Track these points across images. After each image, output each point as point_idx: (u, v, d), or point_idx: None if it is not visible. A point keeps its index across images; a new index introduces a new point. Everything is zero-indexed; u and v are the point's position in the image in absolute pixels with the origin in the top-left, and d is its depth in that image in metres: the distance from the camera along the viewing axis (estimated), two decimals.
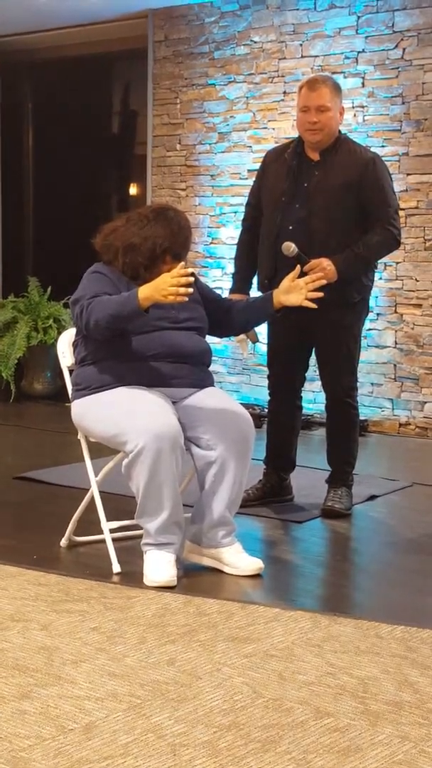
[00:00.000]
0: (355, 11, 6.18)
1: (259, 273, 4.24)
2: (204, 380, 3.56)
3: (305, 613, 3.08)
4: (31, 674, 2.59)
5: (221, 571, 3.45)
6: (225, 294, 4.42)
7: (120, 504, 3.84)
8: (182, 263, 3.33)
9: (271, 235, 4.12)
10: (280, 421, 4.39)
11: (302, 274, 3.69)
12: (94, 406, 3.43)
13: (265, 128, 6.60)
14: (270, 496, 4.37)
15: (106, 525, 3.51)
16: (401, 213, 4.90)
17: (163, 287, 3.20)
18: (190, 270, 3.28)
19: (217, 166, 6.84)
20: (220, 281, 6.63)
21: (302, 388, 4.40)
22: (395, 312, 6.15)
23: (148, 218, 3.47)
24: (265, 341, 4.40)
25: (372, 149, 4.54)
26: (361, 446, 4.53)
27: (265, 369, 4.48)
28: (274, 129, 6.54)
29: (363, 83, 6.18)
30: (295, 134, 4.26)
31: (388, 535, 4.12)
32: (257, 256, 4.22)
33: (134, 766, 2.14)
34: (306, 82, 4.11)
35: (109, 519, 3.53)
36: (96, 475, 3.55)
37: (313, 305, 3.57)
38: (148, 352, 3.43)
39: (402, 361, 6.15)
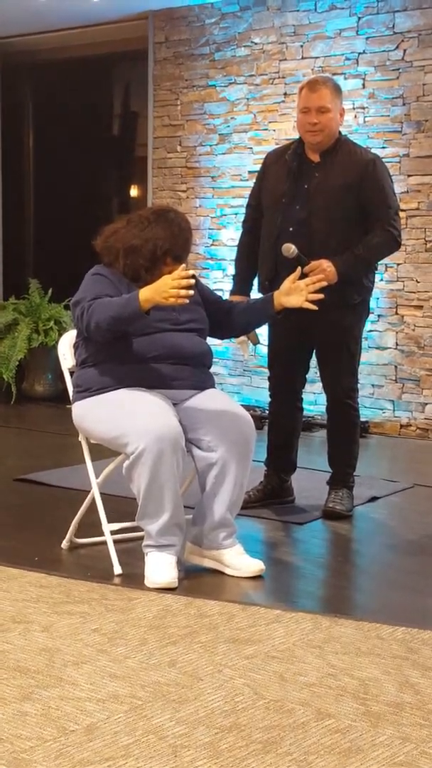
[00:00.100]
0: (355, 12, 6.18)
1: (259, 274, 4.24)
2: (205, 382, 3.56)
3: (306, 615, 3.09)
4: (33, 676, 2.60)
5: (222, 573, 3.45)
6: (226, 295, 4.42)
7: (121, 506, 3.85)
8: (183, 265, 3.34)
9: (271, 236, 4.12)
10: (280, 422, 4.39)
11: (303, 276, 3.69)
12: (95, 408, 3.43)
13: (266, 129, 6.60)
14: (271, 497, 4.37)
15: (107, 527, 3.51)
16: (402, 214, 4.90)
17: (163, 289, 3.20)
18: (191, 272, 3.28)
19: (217, 167, 6.85)
20: (221, 283, 6.63)
21: (303, 390, 4.40)
22: (396, 313, 6.16)
23: (148, 220, 3.47)
24: (266, 343, 4.40)
25: (372, 150, 4.54)
26: (362, 448, 4.53)
27: (266, 371, 4.48)
28: (274, 130, 6.54)
29: (363, 84, 6.18)
30: (295, 135, 4.26)
31: (389, 536, 4.12)
32: (258, 258, 4.23)
33: None
34: (306, 84, 4.11)
35: (110, 521, 3.53)
36: (97, 477, 3.55)
37: (314, 307, 3.57)
38: (148, 354, 3.43)
39: (403, 362, 6.15)
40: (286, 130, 6.37)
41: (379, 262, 4.33)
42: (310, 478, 4.67)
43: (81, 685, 2.54)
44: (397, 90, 6.06)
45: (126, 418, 3.31)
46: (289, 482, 4.43)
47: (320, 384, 4.38)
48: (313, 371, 4.44)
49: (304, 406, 4.48)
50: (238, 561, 3.45)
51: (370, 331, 6.11)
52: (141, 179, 7.51)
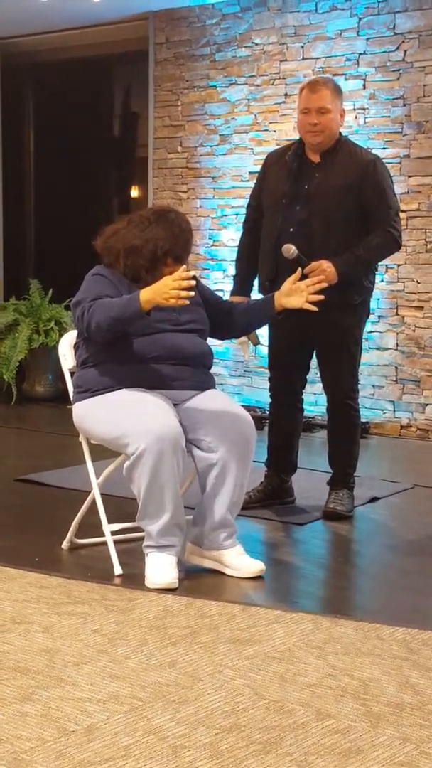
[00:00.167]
0: (356, 13, 6.18)
1: (259, 275, 4.25)
2: (205, 382, 3.56)
3: (306, 615, 3.09)
4: (33, 676, 2.60)
5: (222, 573, 3.45)
6: (226, 296, 4.42)
7: (121, 506, 3.85)
8: (184, 266, 3.34)
9: (271, 237, 4.12)
10: (281, 423, 4.39)
11: (303, 277, 3.69)
12: (95, 409, 3.44)
13: (267, 130, 6.60)
14: (271, 498, 4.37)
15: (107, 527, 3.51)
16: (402, 215, 4.90)
17: (164, 290, 3.20)
18: (191, 273, 3.28)
19: (218, 168, 6.85)
20: (222, 283, 6.63)
21: (303, 390, 4.40)
22: (396, 314, 6.16)
23: (149, 220, 3.48)
24: (266, 343, 4.40)
25: (373, 151, 4.54)
26: (363, 448, 4.53)
27: (267, 371, 4.48)
28: (275, 131, 6.55)
29: (364, 85, 6.18)
30: (296, 136, 4.26)
31: (389, 537, 4.12)
32: (258, 258, 4.23)
33: None
34: (307, 84, 4.12)
35: (110, 521, 3.53)
36: (97, 478, 3.56)
37: (314, 308, 3.57)
38: (149, 355, 3.43)
39: (403, 363, 6.15)
40: (286, 131, 6.37)
41: (379, 263, 4.33)
42: (310, 479, 4.67)
43: (81, 686, 2.54)
44: (398, 91, 6.06)
45: (126, 419, 3.31)
46: (290, 483, 4.43)
47: (321, 385, 4.38)
48: (314, 372, 4.44)
49: (305, 406, 4.48)
50: (239, 561, 3.45)
51: (371, 331, 6.11)
52: (142, 180, 7.51)
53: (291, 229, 4.07)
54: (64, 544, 3.73)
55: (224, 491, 3.42)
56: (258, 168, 4.42)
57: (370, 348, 6.12)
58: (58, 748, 2.22)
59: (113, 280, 3.46)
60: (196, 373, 3.52)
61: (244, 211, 4.47)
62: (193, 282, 3.26)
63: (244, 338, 4.13)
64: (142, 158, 7.43)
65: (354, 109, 6.14)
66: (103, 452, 3.57)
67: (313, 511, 4.29)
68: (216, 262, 6.88)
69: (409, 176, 6.04)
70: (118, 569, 3.44)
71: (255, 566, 3.45)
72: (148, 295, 3.24)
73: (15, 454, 5.69)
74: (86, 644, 2.82)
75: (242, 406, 3.66)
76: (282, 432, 4.38)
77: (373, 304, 4.53)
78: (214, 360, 3.71)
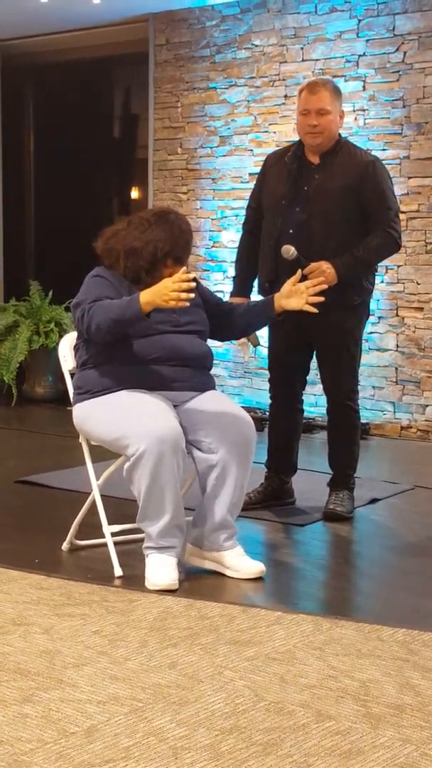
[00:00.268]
0: (356, 15, 6.19)
1: (259, 276, 4.25)
2: (205, 383, 3.56)
3: (307, 616, 3.09)
4: (33, 678, 2.60)
5: (223, 575, 3.45)
6: (226, 297, 4.42)
7: (121, 507, 3.85)
8: (184, 267, 3.34)
9: (271, 238, 4.12)
10: (281, 424, 4.39)
11: (303, 278, 3.69)
12: (95, 410, 3.44)
13: (266, 132, 6.60)
14: (271, 499, 4.37)
15: (107, 528, 3.51)
16: (402, 216, 4.90)
17: (164, 292, 3.21)
18: (192, 275, 3.28)
19: (218, 169, 6.85)
20: (222, 284, 6.63)
21: (303, 392, 4.40)
22: (396, 315, 6.16)
23: (149, 222, 3.48)
24: (266, 344, 4.40)
25: (373, 152, 4.55)
26: (363, 449, 4.53)
27: (267, 372, 4.48)
28: (275, 132, 6.55)
29: (364, 86, 6.18)
30: (296, 137, 4.26)
31: (389, 538, 4.12)
32: (258, 260, 4.23)
33: None
34: (306, 86, 4.12)
35: (110, 522, 3.53)
36: (97, 479, 3.55)
37: (315, 309, 3.58)
38: (149, 356, 3.44)
39: (403, 364, 6.15)
40: (286, 132, 6.37)
41: (379, 264, 4.33)
42: (310, 480, 4.67)
43: (81, 687, 2.54)
44: (398, 92, 6.06)
45: (126, 420, 3.32)
46: (290, 484, 4.43)
47: (320, 386, 4.38)
48: (314, 373, 4.44)
49: (305, 407, 4.48)
50: (239, 563, 3.45)
51: (371, 332, 6.11)
52: (141, 181, 7.52)
53: (291, 231, 4.07)
54: (65, 546, 3.73)
55: (224, 492, 3.42)
56: (258, 169, 4.42)
57: (370, 349, 6.12)
58: (59, 750, 2.22)
59: (113, 282, 3.46)
60: (196, 375, 3.52)
61: (243, 212, 4.47)
62: (193, 284, 3.27)
63: (243, 339, 4.13)
64: (142, 159, 7.43)
65: (354, 111, 6.14)
66: (103, 453, 3.57)
67: (314, 512, 4.29)
68: (216, 264, 6.88)
69: (409, 177, 6.04)
70: (118, 570, 3.44)
71: (255, 567, 3.45)
72: (148, 296, 3.24)
73: (15, 456, 5.69)
74: (86, 646, 2.82)
75: (242, 407, 3.66)
76: (282, 433, 4.38)
77: (373, 305, 4.53)
78: (214, 361, 3.71)
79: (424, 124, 5.99)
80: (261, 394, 6.28)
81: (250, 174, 6.48)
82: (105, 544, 3.53)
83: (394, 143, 6.08)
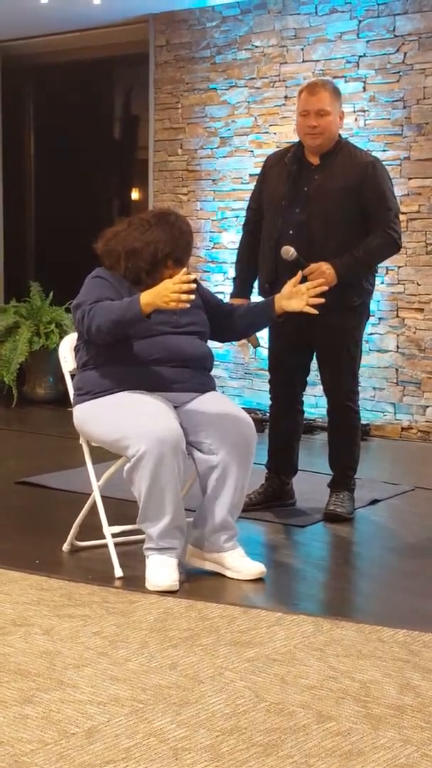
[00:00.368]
0: (356, 15, 6.19)
1: (259, 277, 4.25)
2: (206, 385, 3.56)
3: (307, 617, 3.09)
4: (34, 679, 2.60)
5: (223, 576, 3.45)
6: (227, 298, 4.42)
7: (122, 508, 3.84)
8: (184, 269, 3.34)
9: (271, 239, 4.12)
10: (281, 425, 4.39)
11: (303, 279, 3.69)
12: (95, 411, 3.44)
13: (267, 133, 6.60)
14: (272, 500, 4.37)
15: (108, 529, 3.51)
16: (402, 217, 4.90)
17: (164, 293, 3.21)
18: (192, 276, 3.29)
19: (218, 170, 6.85)
20: (222, 286, 6.64)
21: (304, 392, 4.40)
22: (397, 316, 6.16)
23: (149, 223, 3.48)
24: (266, 345, 4.40)
25: (373, 153, 4.55)
26: (363, 450, 4.53)
27: (267, 373, 4.48)
28: (275, 133, 6.55)
29: (364, 87, 6.18)
30: (296, 138, 4.27)
31: (390, 539, 4.12)
32: (258, 260, 4.23)
33: None
34: (306, 87, 4.12)
35: (111, 523, 3.53)
36: (98, 480, 3.55)
37: (315, 311, 3.58)
38: (149, 357, 3.44)
39: (404, 365, 6.15)
40: (286, 133, 6.37)
41: (379, 265, 4.33)
42: (311, 481, 4.67)
43: (82, 688, 2.54)
44: (398, 93, 6.06)
45: (127, 421, 3.32)
46: (290, 485, 4.43)
47: (321, 387, 4.38)
48: (314, 374, 4.44)
49: (305, 408, 4.48)
50: (239, 564, 3.45)
51: (371, 333, 6.11)
52: (142, 182, 7.52)
53: (291, 231, 4.07)
54: (65, 547, 3.73)
55: (225, 493, 3.42)
56: (258, 170, 4.42)
57: (370, 350, 6.12)
58: (59, 751, 2.22)
59: (113, 283, 3.46)
60: (197, 376, 3.52)
61: (244, 213, 4.47)
62: (194, 285, 3.27)
63: (244, 341, 4.14)
64: (143, 161, 7.43)
65: (354, 112, 6.15)
66: (103, 454, 3.57)
67: (314, 513, 4.29)
68: (216, 265, 6.88)
69: (409, 178, 6.04)
70: (118, 571, 3.44)
71: (256, 568, 3.45)
72: (148, 298, 3.24)
73: (15, 457, 5.70)
74: (87, 647, 2.82)
75: (243, 408, 3.66)
76: (282, 434, 4.38)
77: (373, 306, 4.53)
78: (215, 362, 3.71)
79: (424, 125, 5.99)
80: (261, 395, 6.28)
81: (251, 175, 6.47)
82: (105, 545, 3.53)
83: (395, 144, 6.08)
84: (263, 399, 5.60)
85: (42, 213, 8.36)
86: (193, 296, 3.25)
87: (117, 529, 3.56)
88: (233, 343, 4.36)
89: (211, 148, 6.88)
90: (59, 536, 3.77)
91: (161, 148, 7.13)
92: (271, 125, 6.58)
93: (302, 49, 6.42)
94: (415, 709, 2.46)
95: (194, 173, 6.98)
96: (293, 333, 4.13)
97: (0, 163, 8.10)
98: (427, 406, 6.09)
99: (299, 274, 3.69)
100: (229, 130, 6.78)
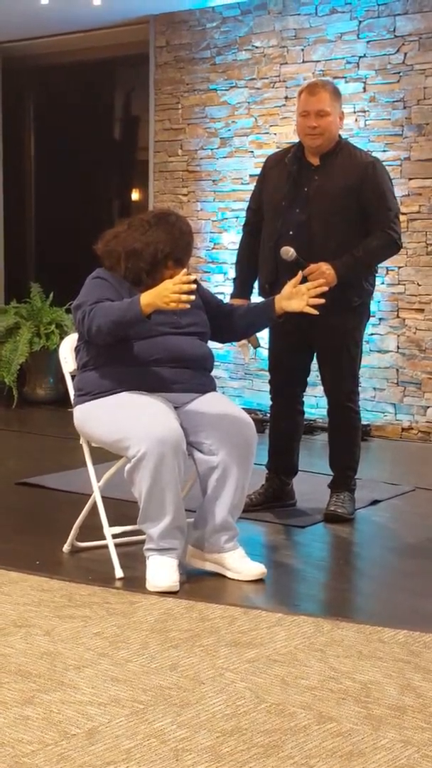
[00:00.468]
0: (356, 16, 6.19)
1: (259, 277, 4.25)
2: (206, 385, 3.56)
3: (308, 618, 3.08)
4: (34, 680, 2.60)
5: (224, 576, 3.45)
6: (227, 299, 4.43)
7: (122, 509, 3.84)
8: (184, 269, 3.34)
9: (271, 239, 4.12)
10: (281, 425, 4.39)
11: (304, 280, 3.70)
12: (96, 411, 3.44)
13: (267, 133, 6.60)
14: (272, 500, 4.37)
15: (108, 530, 3.51)
16: (403, 218, 4.90)
17: (165, 294, 3.21)
18: (192, 277, 3.28)
19: (218, 171, 6.85)
20: (223, 286, 6.63)
21: (304, 393, 4.40)
22: (397, 316, 6.16)
23: (149, 224, 3.48)
24: (267, 346, 4.40)
25: (373, 154, 4.55)
26: (364, 451, 4.53)
27: (267, 374, 4.48)
28: (275, 134, 6.55)
29: (364, 88, 6.18)
30: (296, 139, 4.27)
31: (390, 539, 4.12)
32: (258, 261, 4.23)
33: None
34: (306, 87, 4.12)
35: (111, 524, 3.53)
36: (98, 481, 3.55)
37: (315, 311, 3.58)
38: (149, 357, 3.44)
39: (404, 365, 6.15)
40: (287, 134, 6.37)
41: (379, 265, 4.33)
42: (311, 481, 4.67)
43: (82, 689, 2.54)
44: (398, 93, 6.06)
45: (127, 422, 3.32)
46: (291, 485, 4.43)
47: (321, 387, 4.38)
48: (314, 374, 4.44)
49: (306, 409, 4.48)
50: (240, 564, 3.45)
51: (372, 334, 6.11)
52: (142, 183, 7.52)
53: (291, 232, 4.07)
54: (65, 547, 3.73)
55: (225, 494, 3.42)
56: (258, 171, 4.42)
57: (371, 350, 6.12)
58: (60, 752, 2.22)
59: (114, 284, 3.46)
60: (197, 376, 3.52)
61: (244, 213, 4.47)
62: (194, 285, 3.27)
63: (244, 341, 4.13)
64: (143, 161, 7.43)
65: (354, 112, 6.15)
66: (104, 455, 3.57)
67: (314, 514, 4.29)
68: (216, 265, 6.88)
69: (410, 179, 6.04)
70: (119, 572, 3.43)
71: (256, 569, 3.45)
72: (148, 298, 3.24)
73: (16, 457, 5.70)
74: (87, 647, 2.82)
75: (243, 408, 3.66)
76: (283, 434, 4.38)
77: (373, 307, 4.53)
78: (215, 363, 3.71)
79: (424, 126, 5.99)
80: (261, 395, 6.28)
81: (251, 175, 6.47)
82: (106, 546, 3.53)
83: (395, 144, 6.08)
84: (263, 399, 5.61)
85: (42, 214, 8.37)
86: (193, 297, 3.25)
87: (117, 529, 3.56)
88: (233, 343, 4.36)
89: (212, 149, 6.88)
90: (60, 537, 3.77)
91: (161, 149, 7.13)
92: (271, 126, 6.58)
93: (302, 50, 6.42)
94: (416, 710, 2.46)
95: (194, 174, 6.98)
96: (293, 333, 4.13)
97: (0, 163, 8.10)
98: (428, 407, 6.09)
99: (299, 274, 3.69)
100: (230, 130, 6.78)
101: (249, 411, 4.55)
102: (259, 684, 2.60)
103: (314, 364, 4.36)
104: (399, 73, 6.06)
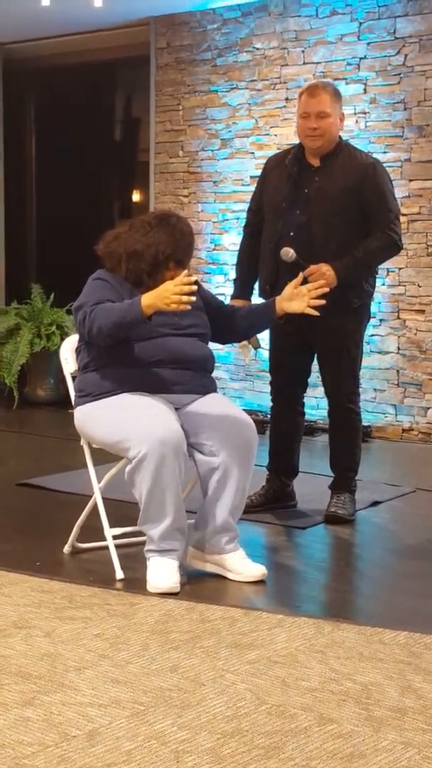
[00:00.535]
0: (356, 18, 6.19)
1: (260, 279, 4.25)
2: (207, 386, 3.56)
3: (308, 620, 3.08)
4: (35, 681, 2.60)
5: (224, 578, 3.45)
6: (227, 300, 4.43)
7: (123, 510, 3.84)
8: (185, 271, 3.34)
9: (272, 241, 4.13)
10: (282, 427, 4.39)
11: (304, 281, 3.70)
12: (96, 412, 3.44)
13: (268, 135, 6.61)
14: (273, 502, 4.37)
15: (109, 531, 3.51)
16: (403, 219, 4.90)
17: (165, 295, 3.21)
18: (193, 278, 3.29)
19: (219, 172, 6.85)
20: (223, 287, 6.63)
21: (304, 394, 4.40)
22: (398, 318, 6.16)
23: (150, 225, 3.48)
24: (267, 347, 4.41)
25: (374, 155, 4.55)
26: (364, 452, 4.53)
27: (268, 375, 4.48)
28: (276, 135, 6.55)
29: (365, 89, 6.18)
30: (297, 140, 4.27)
31: (391, 540, 4.12)
32: (259, 262, 4.23)
33: None
34: (306, 89, 4.13)
35: (112, 525, 3.53)
36: (99, 482, 3.55)
37: (316, 312, 3.58)
38: (150, 359, 3.44)
39: (405, 366, 6.15)
40: (287, 135, 6.37)
41: (380, 266, 4.34)
42: (312, 483, 4.67)
43: (83, 691, 2.54)
44: (399, 95, 6.06)
45: (128, 423, 3.32)
46: (291, 487, 4.43)
47: (322, 388, 4.38)
48: (315, 375, 4.44)
49: (306, 410, 4.48)
50: (241, 566, 3.45)
51: (372, 335, 6.11)
52: (143, 184, 7.52)
53: (291, 233, 4.07)
54: (66, 549, 3.73)
55: (226, 495, 3.42)
56: (259, 172, 4.42)
57: (371, 351, 6.12)
58: (60, 753, 2.22)
59: (115, 285, 3.46)
60: (198, 377, 3.52)
61: (245, 215, 4.47)
62: (195, 287, 3.27)
63: (245, 342, 4.13)
64: (144, 163, 7.44)
65: (355, 114, 6.15)
66: (104, 456, 3.57)
67: (315, 515, 4.28)
68: (217, 266, 6.88)
69: (410, 180, 6.04)
70: (119, 573, 3.43)
71: (257, 570, 3.45)
72: (149, 300, 3.24)
73: (16, 458, 5.70)
74: (88, 649, 2.82)
75: (244, 409, 3.66)
76: (283, 436, 4.38)
77: (374, 308, 4.53)
78: (216, 364, 3.71)
79: (425, 127, 5.99)
80: (262, 396, 6.28)
81: (251, 177, 6.47)
82: (106, 547, 3.52)
83: (395, 146, 6.08)
84: (264, 401, 5.61)
85: (43, 215, 8.37)
86: (194, 298, 3.25)
87: (118, 530, 3.56)
88: (234, 344, 4.36)
89: (212, 150, 6.88)
90: (60, 538, 3.77)
91: (162, 150, 7.13)
92: (271, 127, 6.58)
93: (303, 51, 6.43)
94: (417, 712, 2.46)
95: (195, 175, 6.98)
96: (294, 334, 4.13)
97: (2, 165, 8.10)
98: (428, 408, 6.09)
99: (300, 275, 3.69)
100: (230, 132, 6.79)
101: (249, 412, 4.55)
102: (260, 685, 2.60)
103: (315, 365, 4.36)
104: (399, 74, 6.06)
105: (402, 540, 4.11)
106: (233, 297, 4.33)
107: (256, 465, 3.52)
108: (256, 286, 4.31)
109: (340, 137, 4.16)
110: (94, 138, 8.08)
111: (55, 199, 8.17)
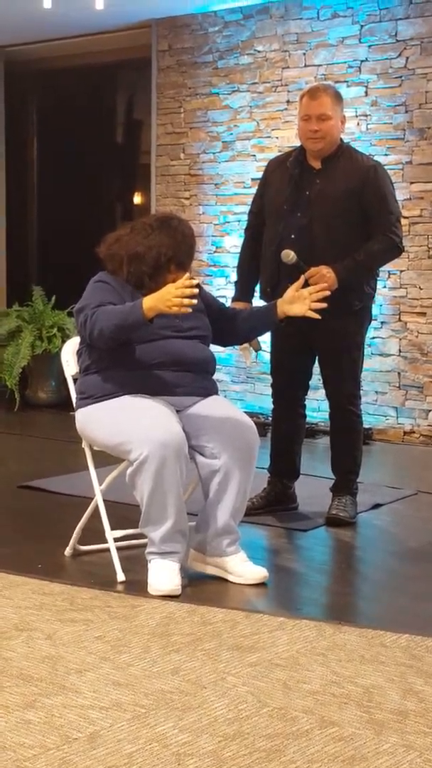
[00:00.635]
0: (358, 20, 6.19)
1: (261, 281, 4.25)
2: (208, 389, 3.56)
3: (310, 622, 3.08)
4: (36, 683, 2.60)
5: (226, 580, 3.45)
6: (228, 302, 4.43)
7: (124, 512, 3.84)
8: (187, 273, 3.34)
9: (273, 243, 4.13)
10: (283, 429, 4.39)
11: (306, 284, 3.70)
12: (98, 415, 3.44)
13: (269, 137, 6.61)
14: (274, 504, 4.37)
15: (110, 534, 3.51)
16: (404, 221, 4.91)
17: (167, 298, 3.21)
18: (195, 281, 3.29)
19: (220, 174, 6.86)
20: (224, 290, 6.64)
21: (306, 396, 4.40)
22: (399, 320, 6.16)
23: (152, 227, 3.48)
24: (268, 349, 4.41)
25: (375, 158, 4.55)
26: (366, 454, 4.53)
27: (269, 377, 4.48)
28: (277, 138, 6.55)
29: (366, 92, 6.19)
30: (298, 143, 4.27)
31: (392, 543, 4.12)
32: (260, 264, 4.23)
33: None
34: (307, 91, 4.13)
35: (113, 528, 3.53)
36: (100, 484, 3.56)
37: (317, 315, 3.58)
38: (151, 361, 3.44)
39: (406, 369, 6.15)
40: (288, 138, 6.38)
41: (380, 269, 4.34)
42: (313, 485, 4.67)
43: (84, 693, 2.54)
44: (400, 97, 6.07)
45: (129, 425, 3.32)
46: (293, 489, 4.43)
47: (323, 390, 4.37)
48: (316, 378, 4.44)
49: (307, 412, 4.48)
50: (242, 568, 3.45)
51: (374, 337, 6.11)
52: (144, 187, 7.52)
53: (292, 236, 4.07)
54: (67, 551, 3.73)
55: (227, 498, 3.42)
56: (260, 174, 4.43)
57: (372, 354, 6.12)
58: (61, 756, 2.22)
59: (116, 287, 3.46)
60: (199, 380, 3.53)
61: (246, 217, 4.48)
62: (196, 290, 3.27)
63: (246, 345, 4.13)
64: (145, 165, 7.44)
65: (356, 116, 6.15)
66: (106, 458, 3.57)
67: (316, 518, 4.28)
68: (219, 269, 6.89)
69: (411, 182, 6.04)
70: (121, 576, 3.43)
71: (258, 573, 3.45)
72: (151, 302, 3.24)
73: (18, 460, 5.70)
74: (89, 651, 2.82)
75: (245, 412, 3.67)
76: (284, 438, 4.38)
77: (375, 310, 4.53)
78: (217, 366, 3.71)
79: (426, 129, 5.99)
80: (263, 399, 6.28)
81: (253, 179, 6.48)
82: (108, 550, 3.52)
83: (397, 148, 6.08)
84: (265, 403, 5.61)
85: (45, 217, 8.38)
86: (195, 300, 3.26)
87: (119, 533, 3.55)
88: (235, 347, 4.36)
89: (214, 153, 6.89)
90: (61, 540, 3.77)
91: (164, 153, 7.14)
92: (273, 129, 6.59)
93: (304, 54, 6.43)
94: (418, 715, 2.46)
95: (196, 177, 6.98)
96: (295, 336, 4.13)
97: (3, 167, 8.11)
98: (430, 410, 6.09)
99: (302, 278, 3.70)
100: (232, 134, 6.79)
101: (251, 414, 4.56)
102: (261, 688, 2.60)
103: (316, 368, 4.36)
104: (401, 77, 6.06)
105: (403, 543, 4.11)
106: (234, 299, 4.34)
107: (257, 467, 3.52)
108: (258, 288, 4.31)
109: (341, 140, 4.16)
110: (95, 140, 8.09)
111: (56, 201, 8.18)
